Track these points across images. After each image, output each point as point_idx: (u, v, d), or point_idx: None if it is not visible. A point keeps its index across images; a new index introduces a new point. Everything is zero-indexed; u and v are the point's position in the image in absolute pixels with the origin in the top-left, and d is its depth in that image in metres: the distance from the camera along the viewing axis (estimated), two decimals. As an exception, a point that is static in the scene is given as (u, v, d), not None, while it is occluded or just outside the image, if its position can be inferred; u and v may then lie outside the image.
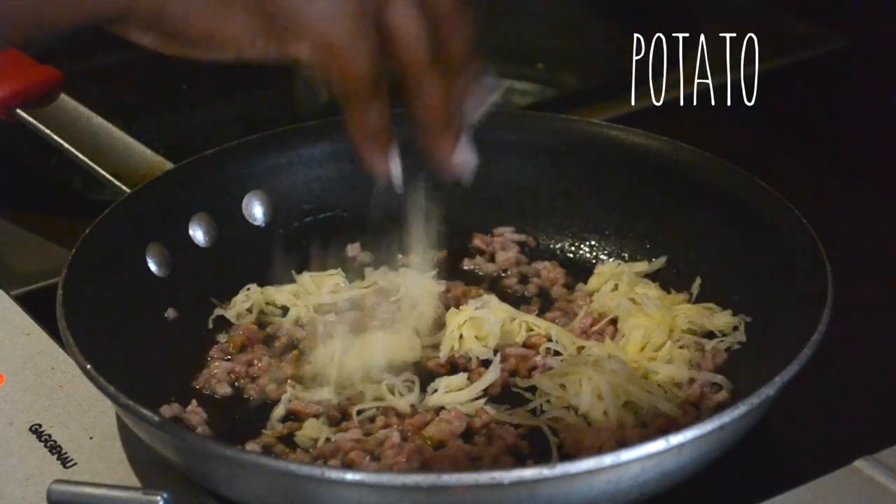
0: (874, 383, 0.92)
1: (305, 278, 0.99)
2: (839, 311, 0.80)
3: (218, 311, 0.96)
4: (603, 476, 0.70)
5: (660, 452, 0.70)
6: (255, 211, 1.02)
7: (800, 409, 0.87)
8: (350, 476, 0.69)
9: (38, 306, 0.96)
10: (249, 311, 0.97)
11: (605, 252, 1.02)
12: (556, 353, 0.91)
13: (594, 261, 1.02)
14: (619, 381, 0.85)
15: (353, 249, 1.04)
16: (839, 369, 0.91)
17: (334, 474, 0.69)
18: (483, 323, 0.92)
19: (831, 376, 0.90)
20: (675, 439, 0.70)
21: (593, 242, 1.03)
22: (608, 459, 0.69)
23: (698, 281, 0.96)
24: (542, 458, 0.82)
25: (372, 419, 0.86)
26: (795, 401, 0.81)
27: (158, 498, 0.72)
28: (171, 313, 0.94)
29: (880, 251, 1.09)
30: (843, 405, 0.90)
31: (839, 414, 0.89)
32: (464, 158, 0.78)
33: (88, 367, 0.77)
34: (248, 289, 0.97)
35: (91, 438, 0.84)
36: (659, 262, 0.99)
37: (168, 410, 0.85)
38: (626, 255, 1.01)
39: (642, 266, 0.98)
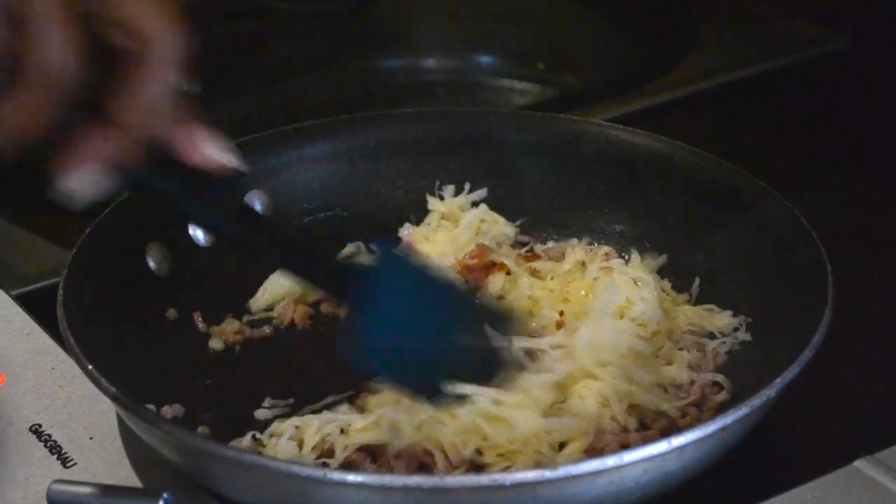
0: (874, 383, 0.92)
1: (305, 278, 0.98)
2: (839, 311, 0.80)
3: (218, 311, 0.96)
4: (605, 477, 0.70)
5: (662, 454, 0.70)
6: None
7: (800, 409, 0.87)
8: (351, 477, 0.69)
9: (38, 306, 0.95)
10: (249, 310, 0.97)
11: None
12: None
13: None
14: (618, 383, 0.84)
15: (352, 249, 1.04)
16: (839, 369, 0.91)
17: (336, 475, 0.69)
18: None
19: (831, 376, 0.90)
20: (678, 441, 0.70)
21: (593, 242, 1.03)
22: (610, 461, 0.69)
23: (698, 281, 0.96)
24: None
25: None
26: (795, 401, 0.81)
27: (159, 498, 0.72)
28: (172, 313, 0.93)
29: (880, 251, 1.09)
30: (843, 405, 0.90)
31: (839, 414, 0.89)
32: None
33: (90, 367, 0.77)
34: (248, 289, 0.97)
35: (91, 438, 0.83)
36: (659, 261, 0.99)
37: (168, 410, 0.85)
38: (626, 255, 1.01)
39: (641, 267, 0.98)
